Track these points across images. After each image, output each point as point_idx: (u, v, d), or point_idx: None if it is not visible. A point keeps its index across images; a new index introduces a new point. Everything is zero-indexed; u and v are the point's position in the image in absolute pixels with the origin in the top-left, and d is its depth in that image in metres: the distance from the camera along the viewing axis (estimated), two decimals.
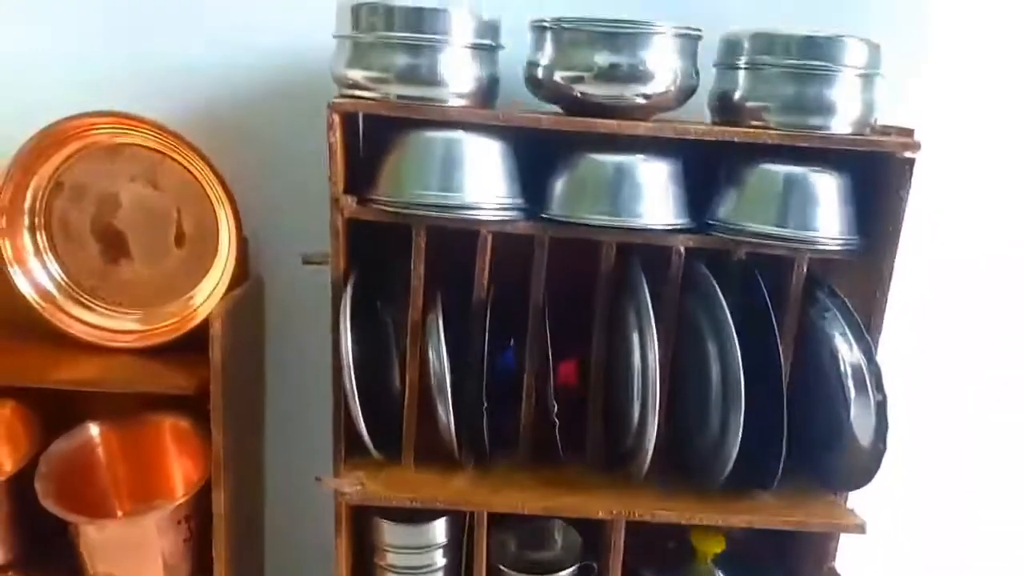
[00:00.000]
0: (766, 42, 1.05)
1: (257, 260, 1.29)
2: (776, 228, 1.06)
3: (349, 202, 1.05)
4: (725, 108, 1.09)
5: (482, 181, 1.04)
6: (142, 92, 1.20)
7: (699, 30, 1.07)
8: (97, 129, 1.17)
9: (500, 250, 1.09)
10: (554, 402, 1.06)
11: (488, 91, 1.07)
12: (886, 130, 1.13)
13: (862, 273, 1.11)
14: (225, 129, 1.24)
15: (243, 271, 1.23)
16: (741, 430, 1.02)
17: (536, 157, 1.10)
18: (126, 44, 1.22)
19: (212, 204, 1.20)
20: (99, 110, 1.13)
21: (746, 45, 1.06)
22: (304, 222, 1.18)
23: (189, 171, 1.19)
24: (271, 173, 1.27)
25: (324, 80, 1.07)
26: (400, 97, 1.02)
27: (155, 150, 1.19)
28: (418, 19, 1.00)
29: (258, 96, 1.24)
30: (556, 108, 1.09)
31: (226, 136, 1.23)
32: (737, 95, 1.07)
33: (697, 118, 1.14)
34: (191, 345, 1.17)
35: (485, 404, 1.06)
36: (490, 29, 1.06)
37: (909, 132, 1.13)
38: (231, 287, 1.20)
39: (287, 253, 1.21)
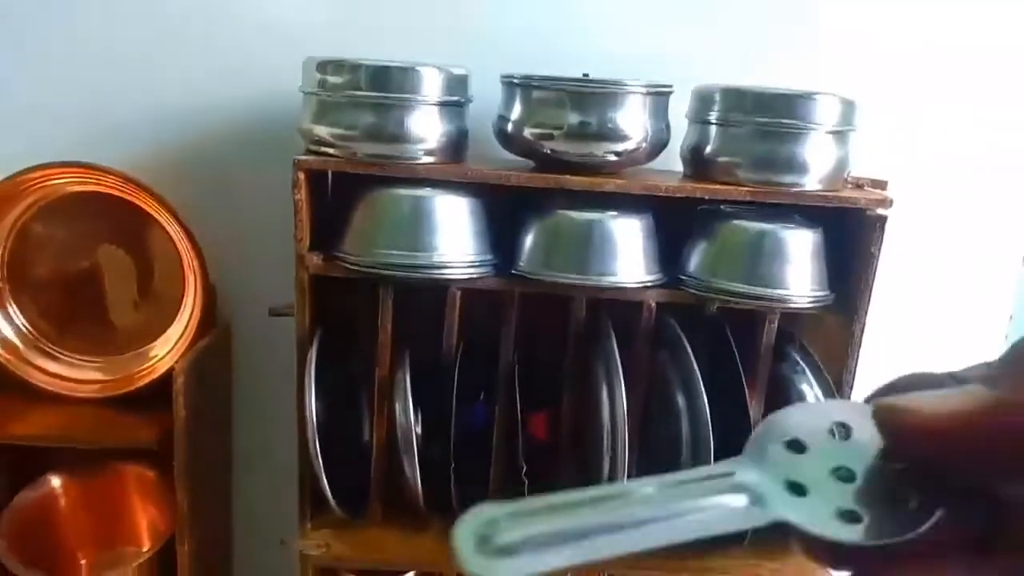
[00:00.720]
0: (737, 98, 1.04)
1: (225, 307, 1.27)
2: (746, 285, 1.04)
3: (315, 259, 1.03)
4: (697, 161, 1.08)
5: (451, 238, 1.03)
6: (107, 142, 1.18)
7: (670, 86, 1.06)
8: (60, 179, 1.14)
9: (470, 303, 1.08)
10: (523, 462, 1.05)
11: (457, 145, 1.06)
12: (859, 182, 1.12)
13: (834, 329, 1.11)
14: (193, 176, 1.22)
15: (210, 319, 1.21)
16: None
17: (506, 210, 1.08)
18: (91, 94, 1.20)
19: (179, 253, 1.17)
20: (62, 160, 1.11)
21: (717, 100, 1.05)
22: (275, 268, 1.16)
23: (154, 220, 1.17)
24: (241, 219, 1.25)
25: (294, 127, 1.05)
26: (367, 155, 1.00)
27: (120, 199, 1.16)
28: (385, 78, 0.99)
29: (227, 142, 1.22)
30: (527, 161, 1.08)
31: (193, 183, 1.21)
32: (708, 150, 1.06)
33: (670, 166, 1.12)
34: (156, 395, 1.15)
35: (453, 464, 1.05)
36: (459, 84, 1.04)
37: (883, 184, 1.12)
38: (197, 336, 1.18)
39: (257, 299, 1.19)
